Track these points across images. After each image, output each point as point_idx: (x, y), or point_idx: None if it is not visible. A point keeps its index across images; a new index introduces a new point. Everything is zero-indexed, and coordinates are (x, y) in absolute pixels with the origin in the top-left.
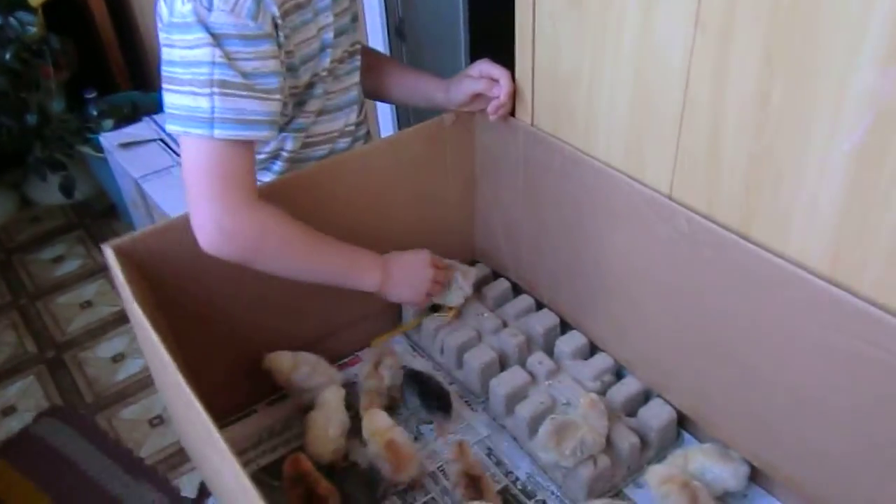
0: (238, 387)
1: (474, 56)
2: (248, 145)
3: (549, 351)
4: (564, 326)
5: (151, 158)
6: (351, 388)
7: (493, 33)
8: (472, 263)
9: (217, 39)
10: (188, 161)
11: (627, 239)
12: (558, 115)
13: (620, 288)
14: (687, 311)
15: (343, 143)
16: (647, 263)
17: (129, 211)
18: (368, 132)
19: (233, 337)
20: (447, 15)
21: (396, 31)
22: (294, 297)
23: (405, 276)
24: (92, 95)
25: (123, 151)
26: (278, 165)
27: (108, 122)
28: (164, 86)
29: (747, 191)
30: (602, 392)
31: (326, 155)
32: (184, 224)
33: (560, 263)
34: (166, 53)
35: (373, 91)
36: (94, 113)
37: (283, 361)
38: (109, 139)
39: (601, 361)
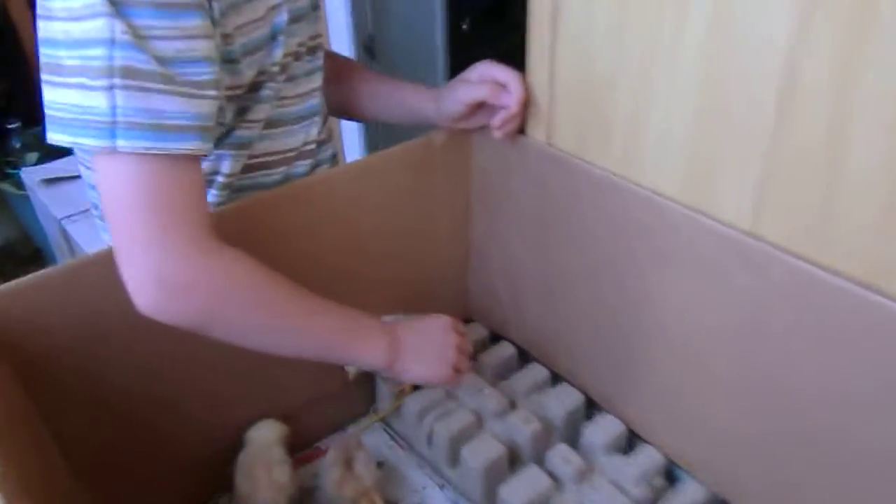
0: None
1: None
2: (192, 161)
3: (574, 442)
4: (591, 406)
5: (78, 196)
6: (309, 498)
7: (477, 51)
8: (465, 322)
9: (119, 7)
10: (108, 189)
11: (686, 289)
12: (586, 130)
13: (673, 356)
14: (775, 393)
15: (301, 166)
16: (714, 322)
17: (56, 256)
18: (335, 155)
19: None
20: (422, 29)
21: (366, 48)
22: (231, 370)
23: (424, 346)
24: (15, 126)
25: (47, 188)
26: (212, 195)
27: (32, 156)
28: (43, 77)
29: (881, 233)
30: (653, 502)
31: (280, 182)
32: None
33: (583, 322)
34: (43, 29)
35: (339, 104)
36: (17, 145)
37: None
38: (32, 175)
39: (647, 458)
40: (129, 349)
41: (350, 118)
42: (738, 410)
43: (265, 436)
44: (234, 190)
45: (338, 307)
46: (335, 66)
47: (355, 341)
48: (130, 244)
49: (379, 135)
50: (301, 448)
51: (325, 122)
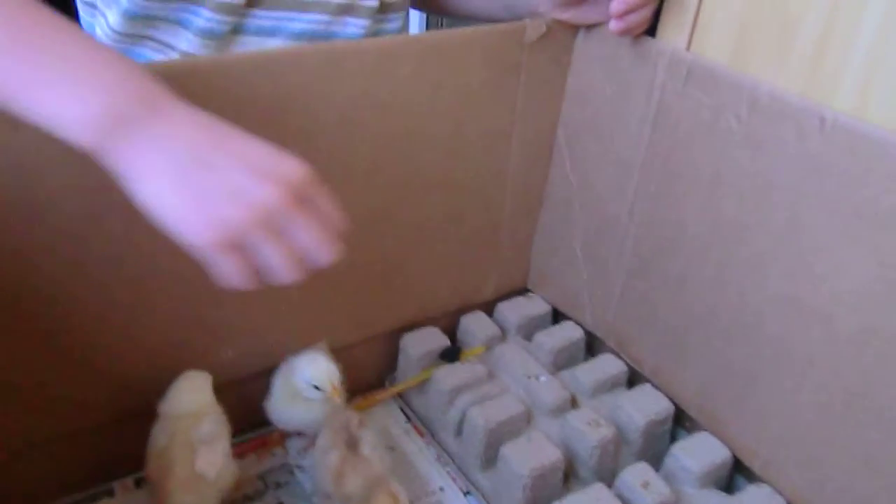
0: (78, 451)
1: None
2: None
3: (656, 463)
4: (680, 419)
5: None
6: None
7: None
8: (522, 292)
9: None
10: None
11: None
12: (752, 35)
13: (815, 373)
14: None
15: (354, 26)
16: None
17: None
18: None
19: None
20: None
21: None
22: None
23: (216, 165)
24: None
25: None
26: (205, 18)
27: None
28: None
29: None
30: None
31: (309, 35)
32: None
33: (693, 312)
34: None
35: None
36: None
37: None
38: None
39: (761, 500)
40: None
41: (432, 11)
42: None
43: (189, 400)
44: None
45: (73, 32)
46: None
47: (51, 74)
48: None
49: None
50: (256, 426)
51: None
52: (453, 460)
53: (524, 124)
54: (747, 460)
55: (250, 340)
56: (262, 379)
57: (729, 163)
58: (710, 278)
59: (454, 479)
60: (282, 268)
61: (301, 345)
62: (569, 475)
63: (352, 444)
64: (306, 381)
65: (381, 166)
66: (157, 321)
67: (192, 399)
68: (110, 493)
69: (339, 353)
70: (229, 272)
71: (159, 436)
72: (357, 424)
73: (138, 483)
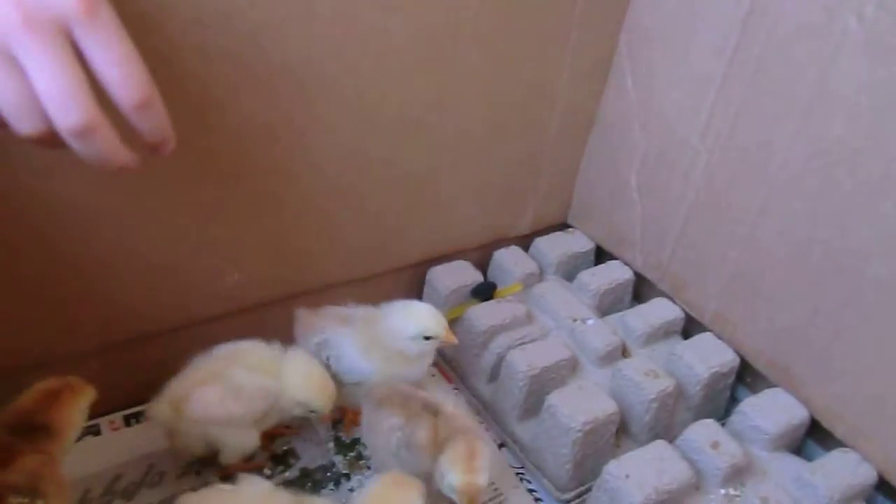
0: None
1: None
2: None
3: (722, 421)
4: (745, 372)
5: None
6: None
7: None
8: (562, 228)
9: None
10: None
11: None
12: None
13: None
14: None
15: None
16: None
17: None
18: None
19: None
20: None
21: None
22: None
23: None
24: None
25: None
26: None
27: None
28: None
29: None
30: None
31: None
32: None
33: (768, 255)
34: None
35: None
36: None
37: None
38: None
39: (848, 468)
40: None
41: None
42: None
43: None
44: None
45: None
46: None
47: None
48: None
49: None
50: None
51: None
52: (486, 409)
53: (582, 29)
54: (828, 423)
55: (260, 265)
56: (272, 309)
57: (840, 74)
58: (801, 212)
59: (487, 430)
60: (63, 87)
61: (316, 273)
62: (618, 431)
63: (431, 409)
64: (413, 334)
65: (417, 64)
66: (153, 237)
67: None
68: (96, 433)
69: (360, 285)
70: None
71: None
72: (424, 393)
73: (128, 421)
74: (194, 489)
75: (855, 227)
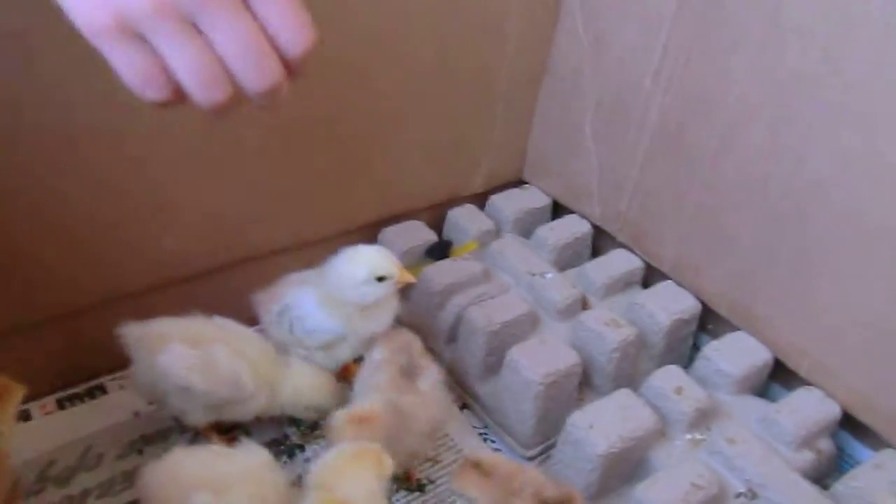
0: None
1: None
2: None
3: (685, 367)
4: (708, 318)
5: None
6: None
7: None
8: (517, 184)
9: None
10: None
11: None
12: None
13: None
14: None
15: None
16: None
17: None
18: None
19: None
20: None
21: None
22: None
23: None
24: None
25: None
26: None
27: None
28: None
29: None
30: (818, 472)
31: None
32: None
33: (766, 190)
34: None
35: None
36: None
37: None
38: None
39: (812, 405)
40: None
41: None
42: None
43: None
44: None
45: None
46: None
47: None
48: None
49: None
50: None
51: None
52: (446, 369)
53: None
54: (792, 362)
55: (196, 230)
56: (213, 277)
57: (793, 3)
58: (759, 146)
59: (448, 391)
60: (196, 76)
61: (259, 239)
62: (581, 384)
63: (409, 373)
64: (364, 277)
65: (356, 4)
66: (76, 201)
67: None
68: (26, 418)
69: (309, 249)
70: (130, 71)
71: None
72: (420, 351)
73: (62, 404)
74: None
75: (813, 158)
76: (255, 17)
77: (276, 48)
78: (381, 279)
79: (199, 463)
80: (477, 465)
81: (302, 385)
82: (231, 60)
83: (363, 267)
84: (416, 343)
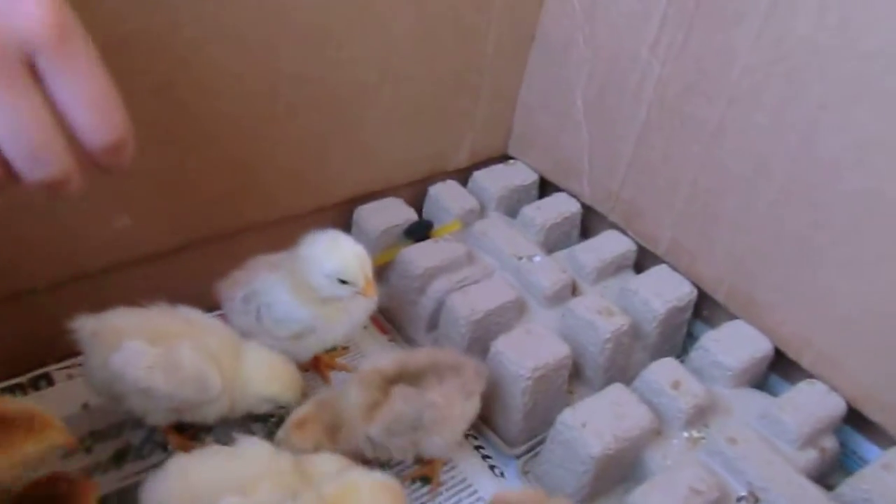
0: None
1: None
2: None
3: (678, 351)
4: (704, 304)
5: None
6: None
7: None
8: (502, 160)
9: None
10: None
11: None
12: None
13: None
14: None
15: None
16: None
17: None
18: None
19: None
20: None
21: None
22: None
23: None
24: None
25: None
26: None
27: None
28: None
29: None
30: (819, 471)
31: None
32: None
33: (769, 171)
34: None
35: None
36: None
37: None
38: None
39: (815, 400)
40: None
41: None
42: None
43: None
44: None
45: None
46: None
47: None
48: None
49: None
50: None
51: None
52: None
53: None
54: (794, 353)
55: (154, 206)
56: (178, 257)
57: None
58: (763, 125)
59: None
60: (31, 140)
61: (224, 216)
62: (570, 377)
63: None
64: (328, 272)
65: None
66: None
67: None
68: None
69: (278, 227)
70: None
71: None
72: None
73: (12, 391)
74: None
75: (824, 137)
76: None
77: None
78: (343, 282)
79: (210, 468)
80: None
81: (258, 374)
82: (6, 149)
83: (330, 263)
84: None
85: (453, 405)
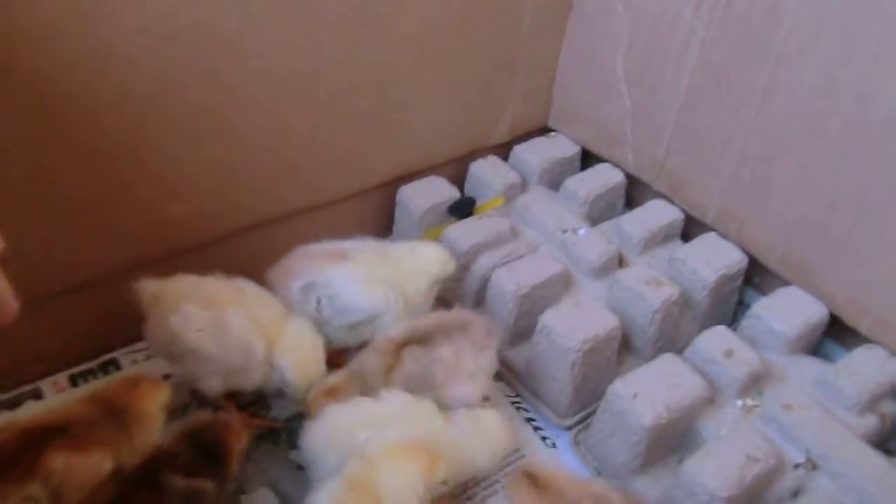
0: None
1: None
2: None
3: (729, 320)
4: (754, 273)
5: None
6: None
7: None
8: (542, 132)
9: None
10: None
11: None
12: None
13: None
14: None
15: None
16: None
17: None
18: None
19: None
20: None
21: None
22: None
23: None
24: None
25: None
26: None
27: None
28: None
29: None
30: (878, 442)
31: None
32: None
33: (824, 132)
34: None
35: None
36: None
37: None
38: None
39: (874, 365)
40: None
41: None
42: None
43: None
44: None
45: None
46: None
47: None
48: None
49: None
50: None
51: None
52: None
53: None
54: (851, 318)
55: (205, 195)
56: (226, 244)
57: None
58: (814, 84)
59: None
60: None
61: (269, 202)
62: (619, 348)
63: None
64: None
65: None
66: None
67: None
68: (37, 396)
69: (322, 212)
70: None
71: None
72: None
73: (74, 380)
74: None
75: (880, 93)
76: None
77: None
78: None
79: (355, 410)
80: (532, 477)
81: (286, 344)
82: None
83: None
84: None
85: (464, 360)
